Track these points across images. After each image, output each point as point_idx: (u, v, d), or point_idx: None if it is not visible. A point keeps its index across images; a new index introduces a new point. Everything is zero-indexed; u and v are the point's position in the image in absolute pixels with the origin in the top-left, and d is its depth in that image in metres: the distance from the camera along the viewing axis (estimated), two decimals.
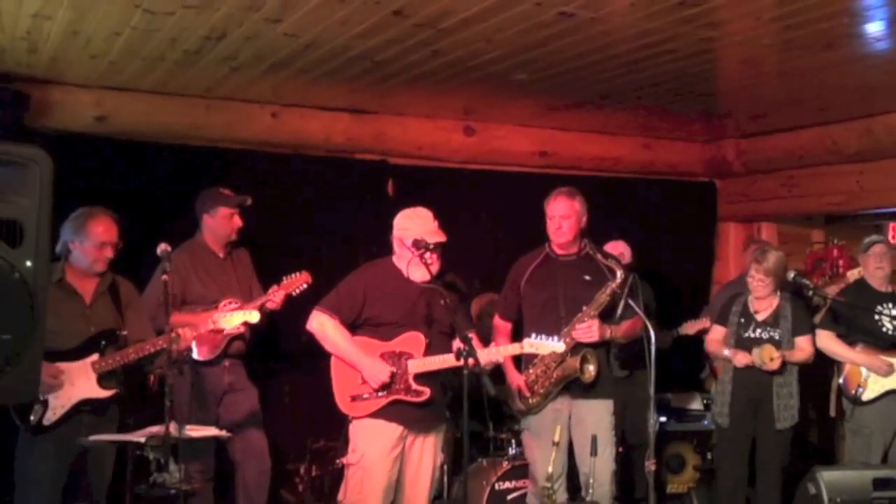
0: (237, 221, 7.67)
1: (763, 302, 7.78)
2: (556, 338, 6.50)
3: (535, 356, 6.93)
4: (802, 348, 7.68)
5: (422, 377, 6.33)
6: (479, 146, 9.73)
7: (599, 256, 7.03)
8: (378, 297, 6.40)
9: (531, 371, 7.04)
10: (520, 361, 7.17)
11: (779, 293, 7.80)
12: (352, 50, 6.82)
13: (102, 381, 6.40)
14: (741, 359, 7.61)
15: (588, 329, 6.88)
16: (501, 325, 7.36)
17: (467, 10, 5.80)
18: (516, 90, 8.15)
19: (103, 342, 6.48)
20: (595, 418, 7.02)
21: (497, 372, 7.08)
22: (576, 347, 6.91)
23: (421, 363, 6.33)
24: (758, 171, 10.56)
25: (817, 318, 8.30)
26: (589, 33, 6.32)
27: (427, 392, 6.32)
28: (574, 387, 6.99)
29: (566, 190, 7.19)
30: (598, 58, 6.99)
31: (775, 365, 7.55)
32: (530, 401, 7.06)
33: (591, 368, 6.91)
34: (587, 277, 7.05)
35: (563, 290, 7.08)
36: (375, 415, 6.32)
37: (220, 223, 7.64)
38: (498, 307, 7.52)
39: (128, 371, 6.54)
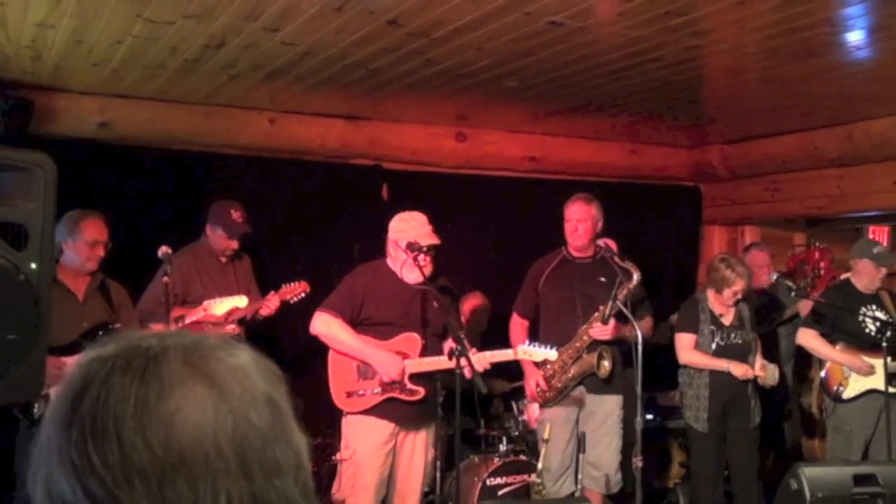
0: (233, 245, 7.62)
1: (723, 305, 7.77)
2: (548, 346, 6.68)
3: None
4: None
5: (417, 377, 6.39)
6: (470, 151, 9.73)
7: (616, 259, 7.12)
8: (375, 298, 6.48)
9: (549, 366, 7.15)
10: None
11: None
12: (347, 58, 6.83)
13: None
14: (746, 372, 7.50)
15: (605, 327, 6.98)
16: (519, 322, 7.50)
17: (459, 19, 5.81)
18: (507, 97, 8.15)
19: (100, 334, 6.50)
20: (605, 413, 7.24)
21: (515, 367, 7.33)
22: (592, 344, 7.09)
23: (417, 363, 6.40)
24: (742, 176, 10.57)
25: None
26: (577, 42, 6.33)
27: (422, 391, 6.39)
28: (589, 381, 7.18)
29: (584, 195, 7.40)
30: (587, 66, 7.00)
31: (775, 383, 7.65)
32: (547, 394, 7.18)
33: (606, 364, 7.09)
34: (602, 279, 7.19)
35: (579, 290, 7.27)
36: (368, 412, 6.38)
37: (216, 240, 7.63)
38: (516, 306, 7.62)
39: None
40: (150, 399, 1.24)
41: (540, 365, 7.19)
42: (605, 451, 7.15)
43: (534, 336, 7.26)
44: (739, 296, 7.64)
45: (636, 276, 6.99)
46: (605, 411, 7.22)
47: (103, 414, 1.23)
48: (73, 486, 1.22)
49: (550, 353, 6.66)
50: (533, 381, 7.26)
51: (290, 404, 1.38)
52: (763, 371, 7.55)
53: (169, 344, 1.32)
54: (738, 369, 7.50)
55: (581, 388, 7.21)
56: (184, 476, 1.21)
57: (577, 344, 7.10)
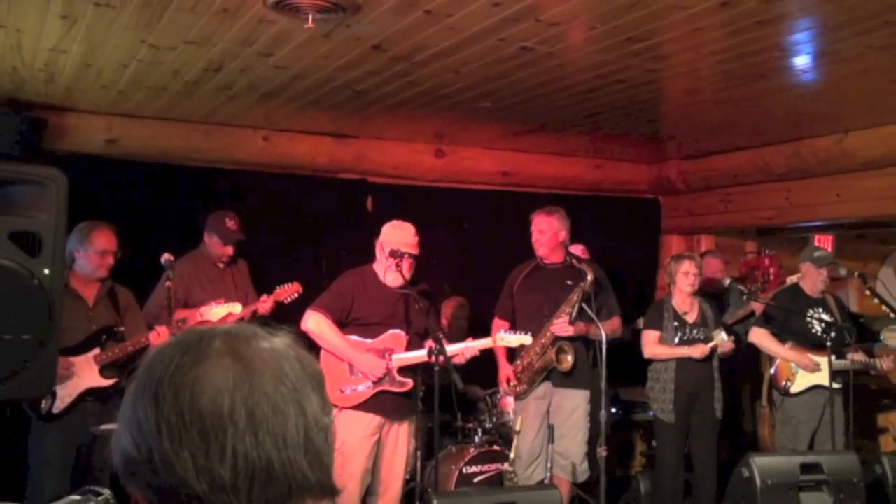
0: (228, 251, 7.64)
1: (686, 303, 7.80)
2: (522, 332, 6.81)
3: (522, 349, 7.18)
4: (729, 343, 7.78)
5: (404, 370, 6.44)
6: (448, 166, 9.74)
7: (574, 262, 7.19)
8: (363, 300, 6.52)
9: (518, 363, 7.27)
10: (512, 354, 7.38)
11: (695, 296, 7.88)
12: (335, 81, 6.83)
13: (104, 371, 6.45)
14: (703, 349, 7.55)
15: (563, 324, 7.07)
16: (499, 323, 7.49)
17: (438, 45, 5.82)
18: (482, 116, 8.16)
19: (104, 336, 6.53)
20: (572, 407, 7.26)
21: (487, 367, 7.35)
22: (555, 340, 7.11)
23: (404, 357, 6.45)
24: (698, 189, 10.59)
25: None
26: (547, 66, 6.35)
27: (410, 382, 6.48)
28: (555, 376, 7.21)
29: (546, 209, 7.48)
30: (555, 87, 7.02)
31: (731, 345, 7.65)
32: (517, 388, 7.24)
33: (567, 358, 7.13)
34: (569, 282, 7.26)
35: (547, 293, 7.32)
36: (359, 406, 6.40)
37: (213, 247, 7.64)
38: (497, 309, 7.65)
39: (126, 364, 6.60)
40: (186, 366, 1.40)
41: (511, 362, 7.31)
42: (571, 442, 7.20)
43: None
44: (692, 277, 7.73)
45: (589, 277, 7.09)
46: (572, 405, 7.25)
47: (151, 376, 1.42)
48: (129, 439, 1.40)
49: (525, 339, 6.81)
50: (504, 376, 7.33)
51: (317, 389, 1.53)
52: (715, 339, 7.60)
53: (219, 330, 1.49)
54: (696, 351, 7.57)
55: (548, 384, 7.24)
56: (198, 429, 1.36)
57: (542, 340, 7.14)
